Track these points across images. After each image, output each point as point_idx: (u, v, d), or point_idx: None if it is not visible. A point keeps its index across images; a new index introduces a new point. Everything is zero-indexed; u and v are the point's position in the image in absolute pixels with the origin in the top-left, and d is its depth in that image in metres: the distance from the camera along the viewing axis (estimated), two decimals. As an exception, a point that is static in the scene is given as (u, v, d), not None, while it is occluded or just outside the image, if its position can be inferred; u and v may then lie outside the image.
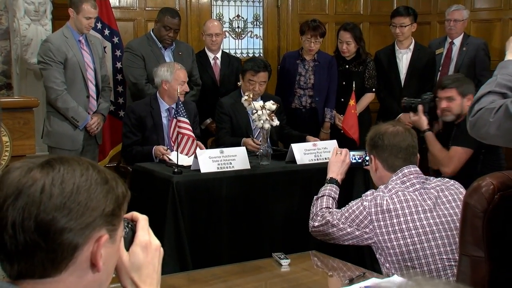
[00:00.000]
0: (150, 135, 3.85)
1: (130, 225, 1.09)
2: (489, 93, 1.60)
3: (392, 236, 2.06)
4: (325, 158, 3.59)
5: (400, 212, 2.08)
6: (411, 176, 2.17)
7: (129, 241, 1.08)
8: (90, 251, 0.96)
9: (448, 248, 2.06)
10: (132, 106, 4.02)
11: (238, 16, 5.81)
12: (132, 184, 3.62)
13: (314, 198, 2.40)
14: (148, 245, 1.09)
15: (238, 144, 3.72)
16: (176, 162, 3.30)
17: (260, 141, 3.60)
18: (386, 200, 2.10)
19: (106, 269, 0.99)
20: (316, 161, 3.56)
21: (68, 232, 0.92)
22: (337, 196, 2.38)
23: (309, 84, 4.64)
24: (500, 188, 1.65)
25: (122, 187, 1.01)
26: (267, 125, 3.47)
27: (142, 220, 1.11)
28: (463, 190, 2.17)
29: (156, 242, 1.11)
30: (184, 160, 3.37)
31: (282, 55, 5.16)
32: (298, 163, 3.53)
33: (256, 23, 5.88)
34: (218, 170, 3.30)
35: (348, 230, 2.13)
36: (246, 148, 3.55)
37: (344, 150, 2.55)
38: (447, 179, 2.24)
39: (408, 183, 2.16)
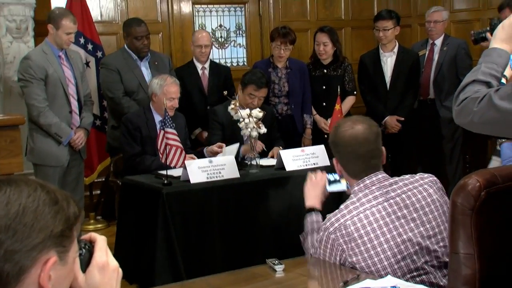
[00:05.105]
0: (146, 146, 3.85)
1: (87, 246, 1.07)
2: (474, 82, 1.61)
3: (372, 252, 1.99)
4: (314, 164, 3.61)
5: (371, 234, 1.99)
6: (373, 187, 2.08)
7: (85, 263, 1.06)
8: (38, 274, 0.93)
9: (432, 250, 2.04)
10: (128, 116, 3.98)
11: (220, 25, 5.83)
12: (123, 198, 3.62)
13: (301, 237, 2.35)
14: (105, 266, 1.07)
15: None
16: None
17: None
18: (353, 223, 2.00)
19: None
20: (305, 167, 3.57)
21: (14, 254, 0.90)
22: (320, 220, 2.28)
23: (283, 91, 4.64)
24: (486, 185, 1.67)
25: (74, 208, 0.99)
26: (254, 133, 3.49)
27: (100, 241, 1.09)
28: (429, 187, 2.09)
29: (114, 263, 1.08)
30: (173, 171, 3.38)
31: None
32: (287, 170, 3.55)
33: (239, 32, 5.91)
34: (208, 180, 3.31)
35: (332, 261, 2.05)
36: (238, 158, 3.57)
37: (318, 173, 2.47)
38: (413, 179, 2.12)
39: (370, 196, 2.06)
